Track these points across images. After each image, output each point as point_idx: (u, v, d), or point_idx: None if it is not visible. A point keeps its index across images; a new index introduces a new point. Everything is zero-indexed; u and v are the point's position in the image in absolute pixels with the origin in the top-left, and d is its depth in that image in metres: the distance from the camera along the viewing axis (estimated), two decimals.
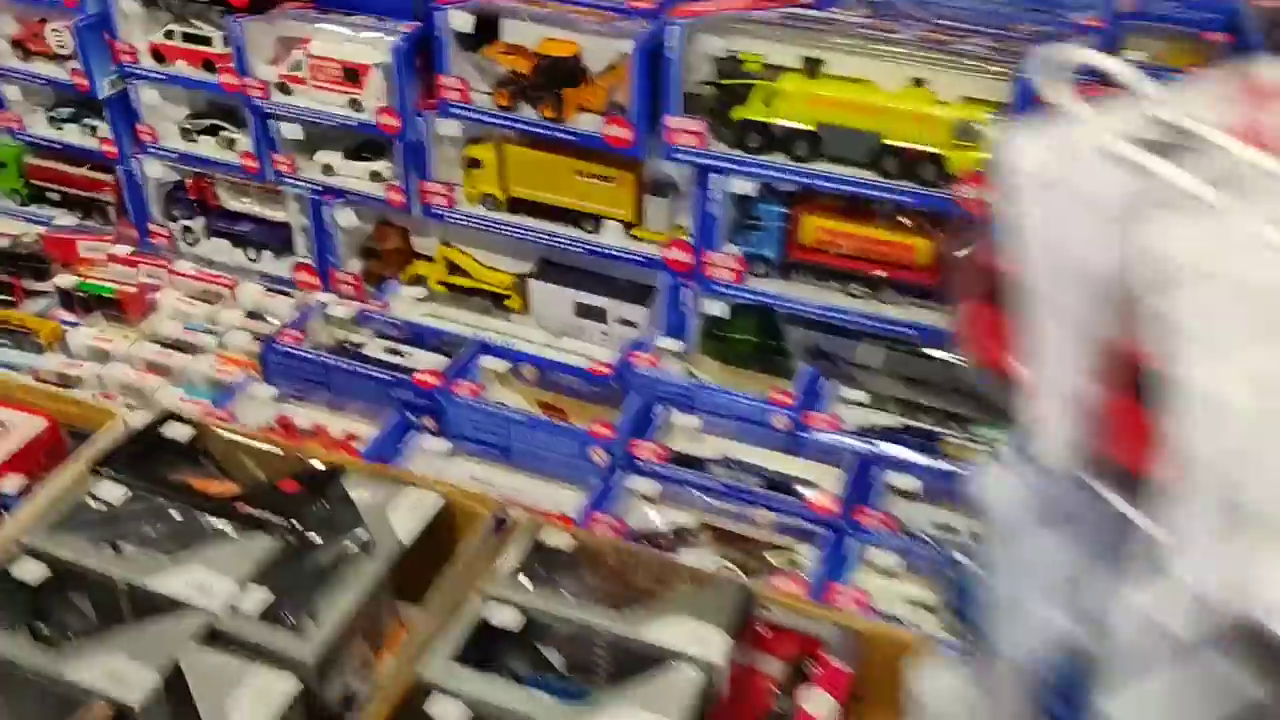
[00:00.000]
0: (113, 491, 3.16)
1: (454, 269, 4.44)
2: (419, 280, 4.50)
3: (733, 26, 3.55)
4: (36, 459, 3.46)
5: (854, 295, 3.81)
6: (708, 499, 3.48)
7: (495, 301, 4.38)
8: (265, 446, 3.37)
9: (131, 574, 2.79)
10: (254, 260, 4.72)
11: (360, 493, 3.22)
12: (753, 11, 3.56)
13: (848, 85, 3.50)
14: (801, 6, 3.62)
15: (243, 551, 2.82)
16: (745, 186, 3.66)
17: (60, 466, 3.37)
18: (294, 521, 2.92)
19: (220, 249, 4.77)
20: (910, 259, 3.67)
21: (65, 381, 4.04)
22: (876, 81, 3.48)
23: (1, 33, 4.69)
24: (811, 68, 3.53)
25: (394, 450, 3.66)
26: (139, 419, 3.77)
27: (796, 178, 3.57)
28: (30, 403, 3.55)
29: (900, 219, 3.67)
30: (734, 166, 3.63)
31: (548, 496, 3.57)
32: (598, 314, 4.19)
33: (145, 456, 3.31)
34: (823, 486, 3.53)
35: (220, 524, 3.02)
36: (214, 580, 2.73)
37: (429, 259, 4.51)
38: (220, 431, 3.42)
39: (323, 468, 3.26)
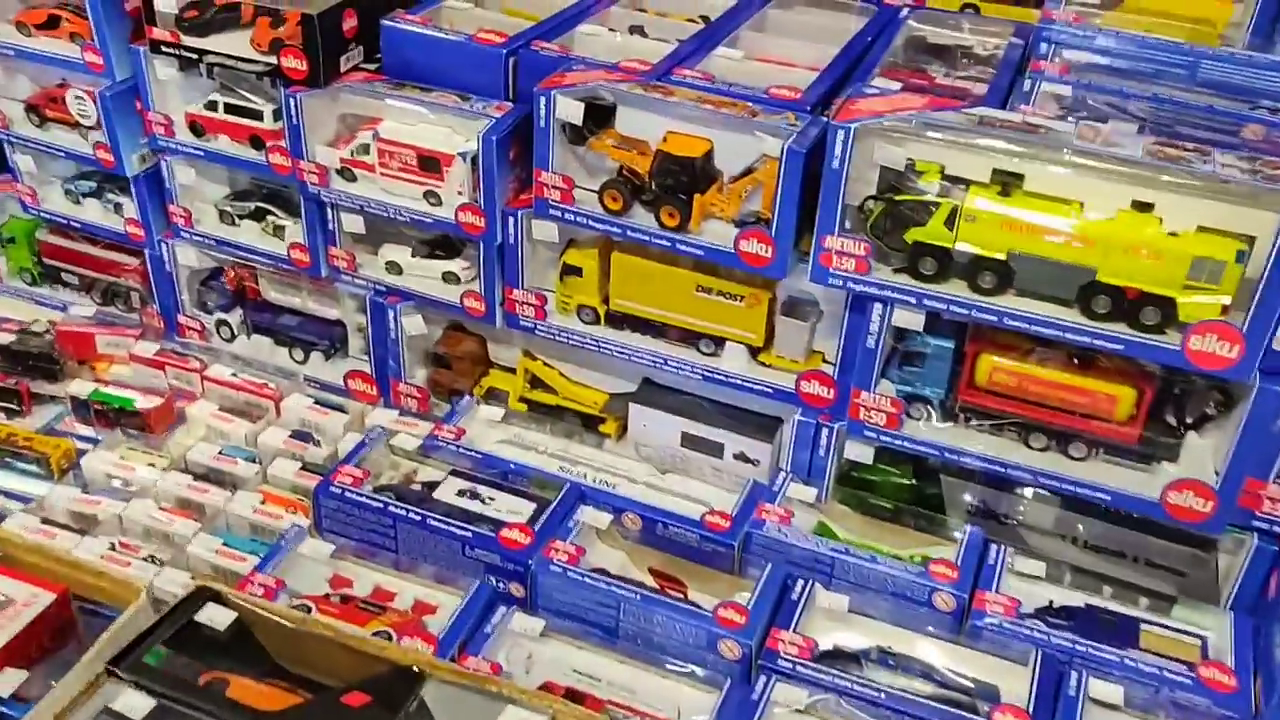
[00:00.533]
0: (136, 703, 2.56)
1: (537, 383, 3.79)
2: (495, 395, 3.85)
3: (904, 132, 2.89)
4: (40, 642, 2.83)
5: (1034, 448, 3.15)
6: (863, 711, 2.82)
7: (586, 424, 3.73)
8: (324, 634, 2.74)
9: None
10: (301, 363, 4.07)
11: (446, 711, 2.59)
12: (932, 112, 2.91)
13: (1051, 206, 2.84)
14: (991, 107, 2.97)
15: None
16: (914, 320, 3.01)
17: (70, 657, 2.75)
18: None
19: (260, 348, 4.13)
20: (1109, 410, 3.02)
21: (80, 524, 3.38)
22: (1088, 202, 2.82)
23: (15, 95, 4.05)
24: (1005, 183, 2.87)
25: (478, 631, 2.99)
26: (169, 582, 3.15)
27: (982, 314, 2.92)
28: (39, 569, 2.92)
29: (1100, 363, 3.02)
30: (902, 296, 2.98)
31: (669, 698, 2.91)
32: (711, 448, 3.53)
33: (177, 650, 2.69)
34: (1004, 692, 2.87)
35: None
36: None
37: (507, 369, 3.86)
38: (269, 615, 2.79)
39: (397, 670, 2.64)
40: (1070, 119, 2.94)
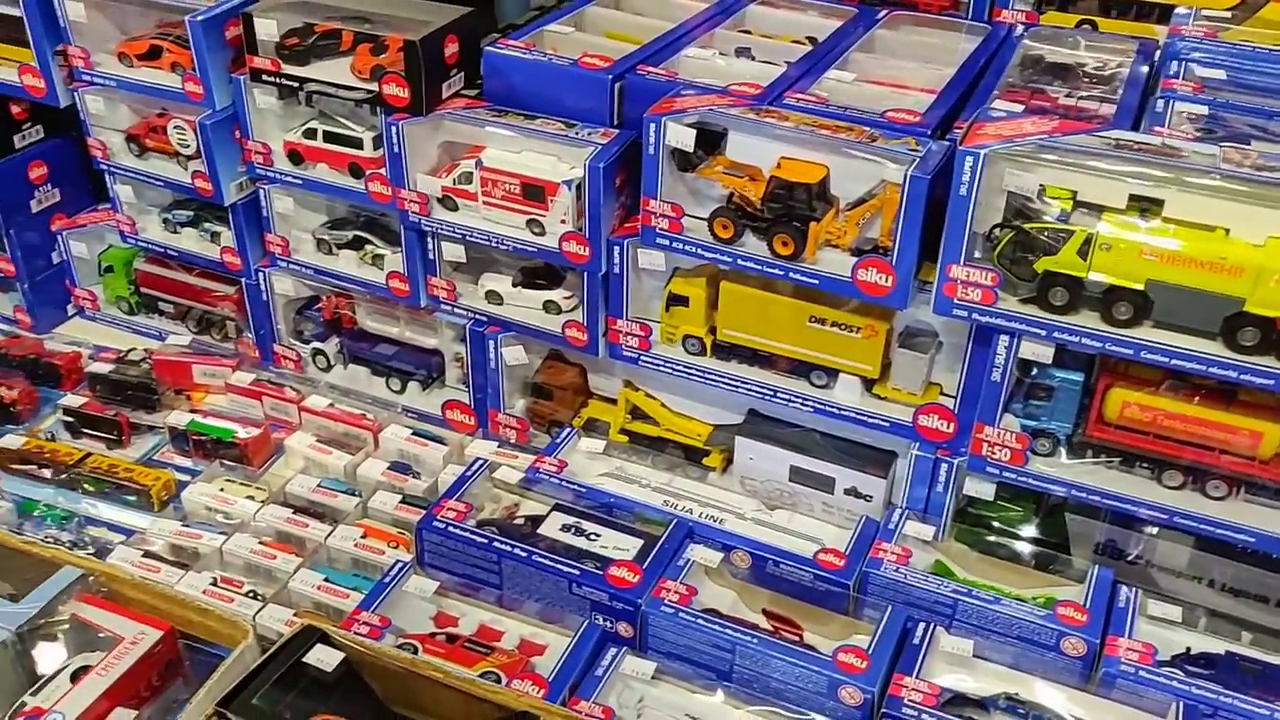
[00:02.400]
0: None
1: (639, 415, 3.70)
2: (594, 426, 3.76)
3: (1035, 156, 2.76)
4: (149, 680, 2.79)
5: (1168, 486, 3.00)
6: None
7: (689, 456, 3.63)
8: (433, 676, 2.66)
9: None
10: (398, 392, 4.02)
11: None
12: (1062, 137, 2.78)
13: (1193, 233, 2.70)
14: (1122, 129, 2.84)
15: None
16: (1044, 352, 2.88)
17: (177, 696, 2.71)
18: None
19: (357, 378, 4.08)
20: (1252, 447, 2.86)
21: (181, 558, 3.34)
22: (1234, 229, 2.68)
23: (116, 125, 4.05)
24: (1143, 209, 2.73)
25: (589, 674, 2.90)
26: (272, 619, 3.10)
27: (1118, 348, 2.78)
28: (145, 605, 2.89)
29: (1241, 397, 2.86)
30: (1031, 328, 2.84)
31: None
32: (822, 482, 3.41)
33: (285, 691, 2.62)
34: None
35: None
36: None
37: (609, 400, 3.78)
38: (377, 660, 2.72)
39: (510, 715, 2.56)
40: (1210, 140, 2.80)
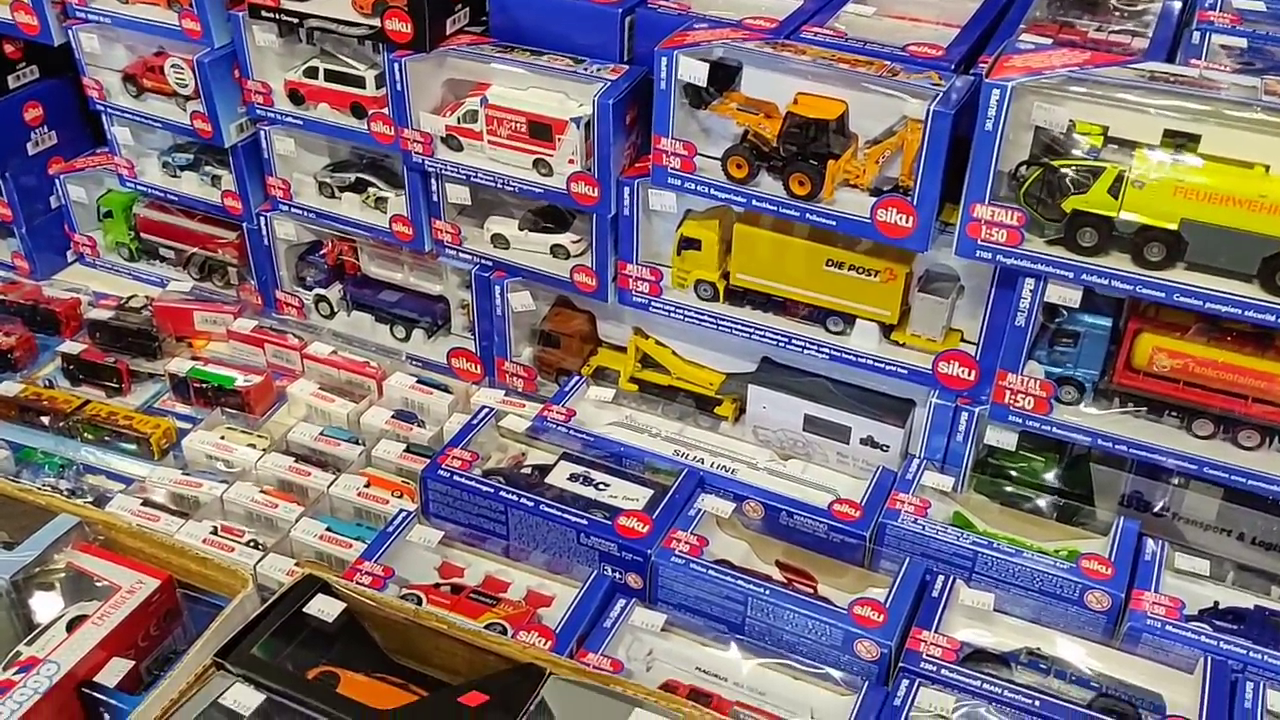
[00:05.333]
0: (245, 697, 2.42)
1: (649, 363, 3.60)
2: (604, 374, 3.66)
3: (1065, 90, 2.64)
4: (147, 630, 2.72)
5: (1199, 435, 2.90)
6: (1014, 719, 2.59)
7: (700, 406, 3.54)
8: (436, 627, 2.58)
9: None
10: (402, 340, 3.93)
11: (568, 710, 2.42)
12: (1093, 69, 2.65)
13: (1230, 170, 2.57)
14: (1156, 60, 2.71)
15: None
16: (1070, 296, 2.77)
17: (175, 646, 2.64)
18: None
19: (360, 324, 3.99)
20: None
21: (181, 507, 3.27)
22: (1274, 166, 2.55)
23: (112, 65, 3.94)
24: (1179, 145, 2.60)
25: (597, 626, 2.82)
26: (273, 569, 3.03)
27: (1149, 290, 2.66)
28: (143, 554, 2.81)
29: (1277, 344, 2.75)
30: (1058, 270, 2.73)
31: (800, 700, 2.71)
32: (837, 432, 3.32)
33: (285, 641, 2.55)
34: (1173, 705, 2.63)
35: None
36: None
37: (618, 349, 3.68)
38: (379, 608, 2.64)
39: (517, 667, 2.48)
40: (1250, 72, 2.67)
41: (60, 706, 2.45)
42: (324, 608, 2.62)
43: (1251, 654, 2.70)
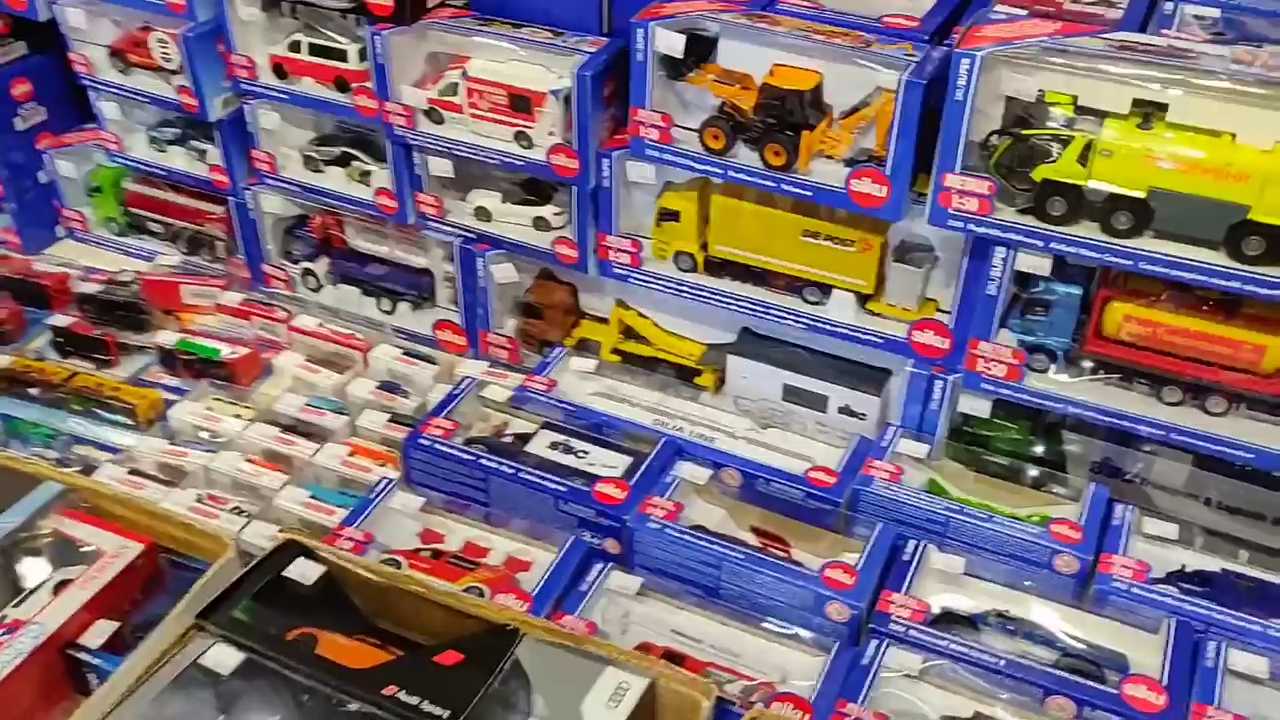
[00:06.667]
0: (224, 658, 2.47)
1: (631, 334, 3.65)
2: (586, 346, 3.71)
3: (1036, 60, 2.67)
4: (130, 594, 2.76)
5: (1168, 402, 2.94)
6: (983, 676, 2.64)
7: (682, 376, 3.58)
8: (414, 590, 2.63)
9: None
10: (388, 313, 3.97)
11: (543, 671, 2.47)
12: (1064, 39, 2.68)
13: (1198, 139, 2.61)
14: (1129, 30, 2.74)
15: None
16: (1041, 264, 2.81)
17: (159, 610, 2.68)
18: (458, 716, 2.24)
19: (347, 298, 4.03)
20: (1254, 362, 2.80)
21: (168, 476, 3.31)
22: (1241, 134, 2.59)
23: (99, 40, 3.96)
24: (1147, 114, 2.64)
25: (574, 589, 2.86)
26: (257, 534, 3.07)
27: (1117, 258, 2.70)
28: (127, 520, 2.85)
29: (1244, 310, 2.79)
30: (1028, 239, 2.77)
31: (772, 661, 2.76)
32: (815, 401, 3.37)
33: (265, 604, 2.60)
34: (1134, 661, 2.68)
35: (359, 713, 2.33)
36: None
37: (601, 320, 3.72)
38: (359, 571, 2.68)
39: (491, 628, 2.52)
40: (1221, 43, 2.70)
41: (45, 667, 2.49)
42: (304, 571, 2.66)
43: (1215, 615, 2.74)
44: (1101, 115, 2.68)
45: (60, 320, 3.89)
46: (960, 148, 2.72)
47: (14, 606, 2.59)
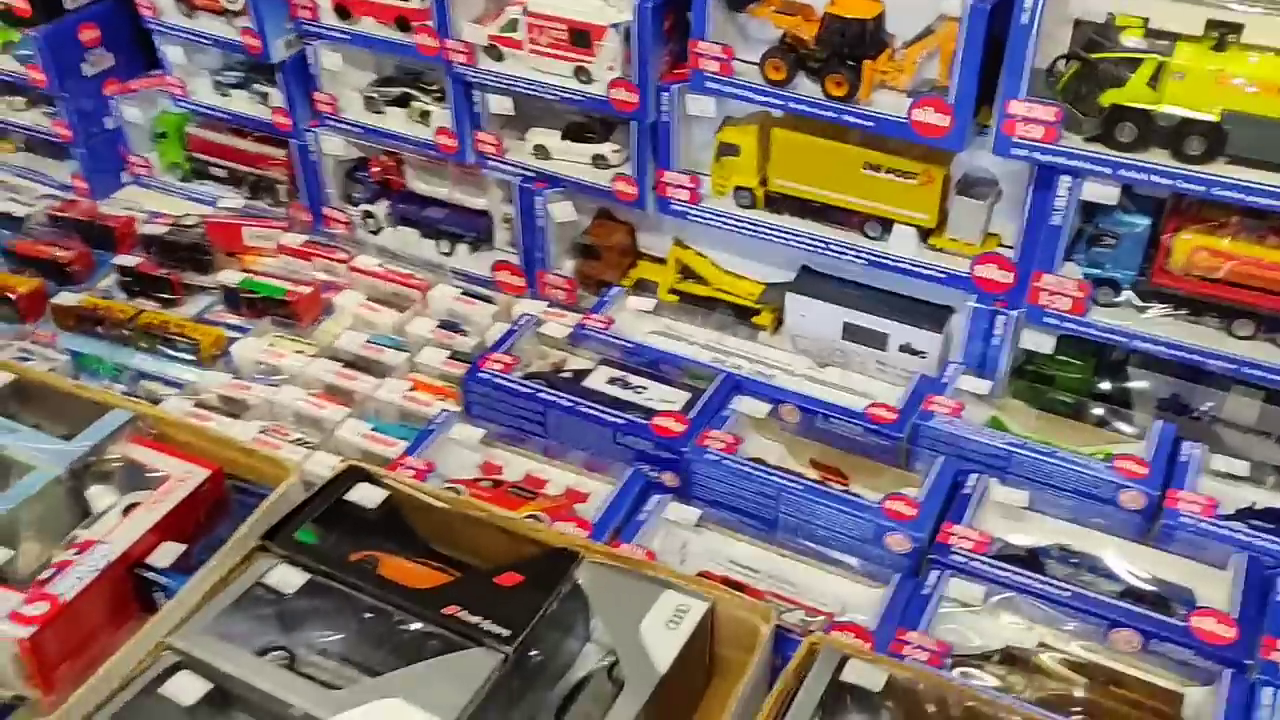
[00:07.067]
0: (288, 578, 2.50)
1: (689, 274, 3.64)
2: (644, 286, 3.70)
3: None
4: (196, 517, 2.81)
5: (1239, 336, 2.88)
6: (1046, 608, 2.61)
7: (740, 316, 3.56)
8: (475, 515, 2.65)
9: (308, 706, 2.18)
10: (447, 254, 3.99)
11: (602, 593, 2.48)
12: None
13: (1273, 60, 2.54)
14: None
15: (449, 676, 2.19)
16: (1108, 193, 2.76)
17: (225, 534, 2.71)
18: (518, 635, 2.24)
19: (407, 240, 4.05)
20: None
21: (231, 409, 3.36)
22: None
23: None
24: (1220, 35, 2.57)
25: (632, 519, 2.87)
26: (319, 464, 3.10)
27: (1189, 185, 2.64)
28: (193, 447, 2.89)
29: None
30: (1096, 167, 2.72)
31: (832, 591, 2.75)
32: (875, 339, 3.34)
33: (328, 528, 2.63)
34: (1204, 599, 2.64)
35: (420, 632, 2.34)
36: None
37: (658, 260, 3.71)
38: (420, 496, 2.71)
39: (551, 551, 2.54)
40: None
41: (115, 584, 2.54)
42: (366, 496, 2.69)
43: None
44: (1174, 38, 2.62)
45: (127, 261, 3.95)
46: (1026, 73, 2.67)
47: (84, 528, 2.65)
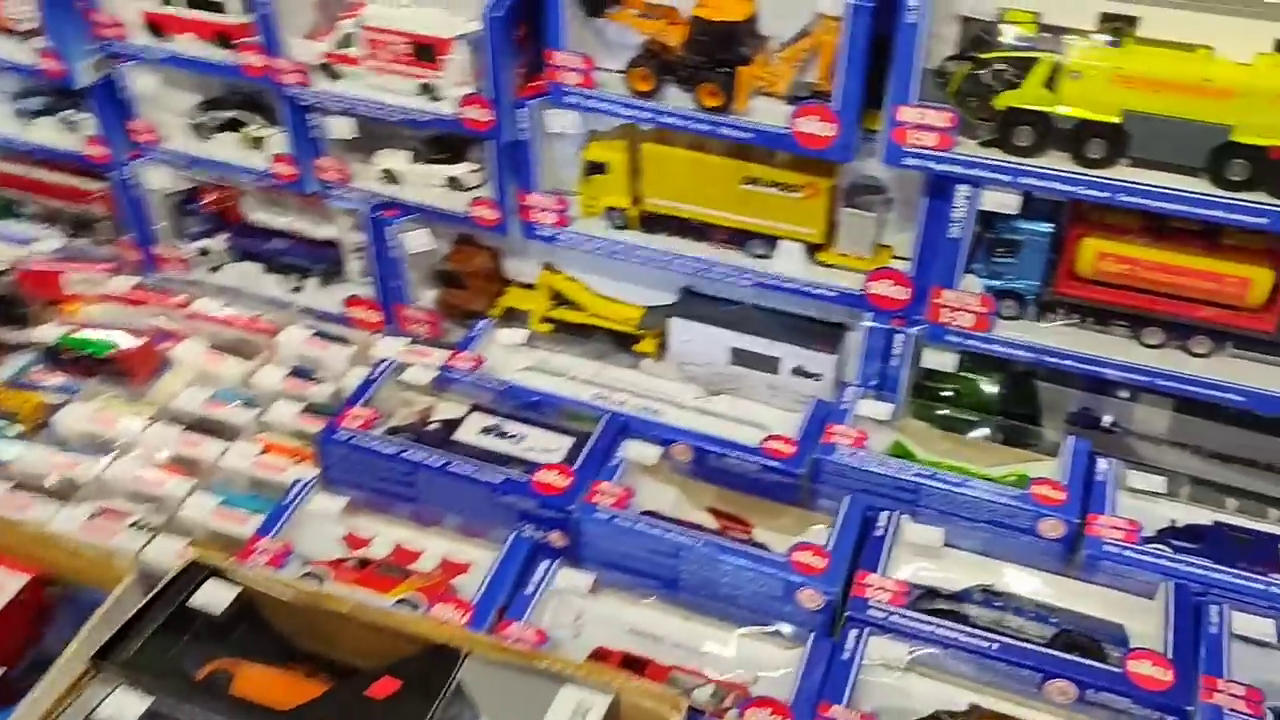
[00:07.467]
0: (128, 704, 2.19)
1: (561, 301, 3.35)
2: (514, 315, 3.41)
3: None
4: (16, 635, 2.47)
5: (1148, 344, 2.72)
6: (972, 664, 2.41)
7: (619, 344, 3.30)
8: (340, 610, 2.35)
9: None
10: (295, 290, 3.63)
11: (491, 695, 2.21)
12: None
13: (1173, 56, 2.36)
14: None
15: None
16: (1007, 201, 2.56)
17: (54, 649, 2.37)
18: None
19: (249, 277, 3.68)
20: (1240, 296, 2.58)
21: (59, 492, 2.96)
22: (1218, 49, 2.34)
23: None
24: (1116, 29, 2.38)
25: (519, 593, 2.59)
26: (161, 552, 2.75)
27: (1091, 190, 2.46)
28: (10, 548, 2.54)
29: (1225, 241, 2.57)
30: (994, 175, 2.51)
31: (742, 657, 2.51)
32: (766, 363, 3.11)
33: (172, 636, 2.31)
34: (1132, 631, 2.48)
35: None
36: None
37: (527, 287, 3.42)
38: (277, 596, 2.39)
39: (429, 649, 2.26)
40: None
41: None
42: (214, 596, 2.38)
43: (1213, 574, 2.55)
44: (1069, 34, 2.41)
45: None
46: (915, 77, 2.44)
47: None
